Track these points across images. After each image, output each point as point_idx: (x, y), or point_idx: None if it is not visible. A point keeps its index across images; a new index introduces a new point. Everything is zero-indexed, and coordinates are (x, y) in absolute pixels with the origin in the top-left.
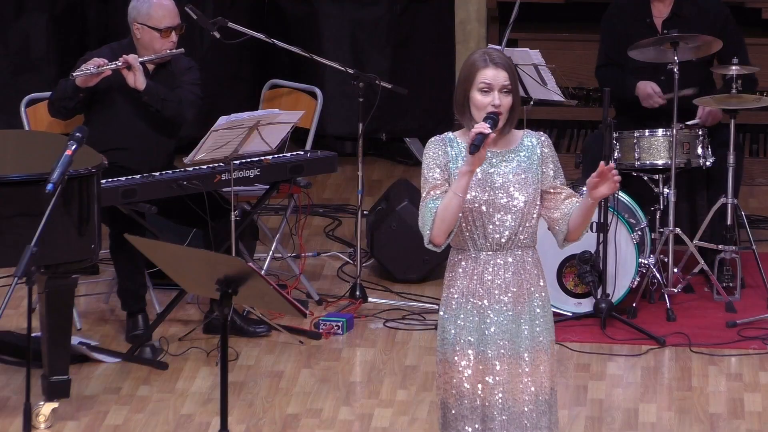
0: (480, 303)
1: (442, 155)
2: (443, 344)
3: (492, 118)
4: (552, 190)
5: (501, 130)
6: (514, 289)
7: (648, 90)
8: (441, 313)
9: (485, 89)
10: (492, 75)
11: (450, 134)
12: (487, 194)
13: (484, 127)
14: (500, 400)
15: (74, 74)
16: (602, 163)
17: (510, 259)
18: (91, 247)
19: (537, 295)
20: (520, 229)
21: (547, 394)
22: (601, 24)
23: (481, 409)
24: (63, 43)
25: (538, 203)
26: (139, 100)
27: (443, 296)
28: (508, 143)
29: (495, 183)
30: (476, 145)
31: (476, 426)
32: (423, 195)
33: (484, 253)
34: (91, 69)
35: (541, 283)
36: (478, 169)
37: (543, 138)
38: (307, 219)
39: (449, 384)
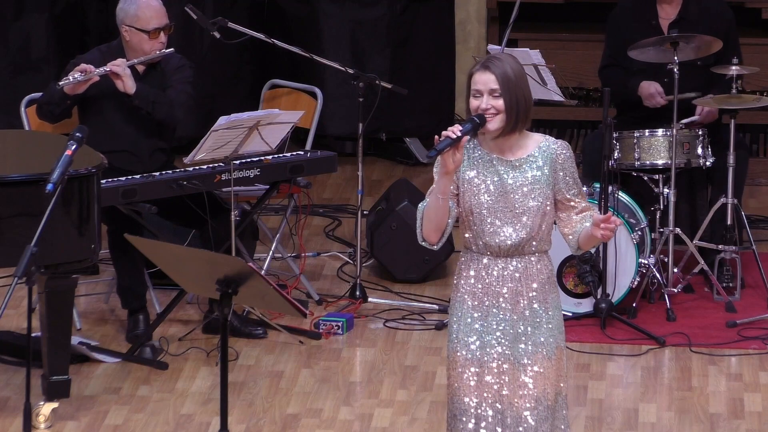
0: (482, 306)
1: None
2: (448, 342)
3: (472, 120)
4: (566, 202)
5: (503, 132)
6: (517, 294)
7: (651, 90)
8: (449, 311)
9: (476, 94)
10: (480, 79)
11: None
12: (496, 201)
13: (452, 131)
14: (497, 402)
15: (60, 83)
16: (609, 213)
17: (515, 265)
18: (91, 247)
19: (543, 299)
20: (529, 236)
21: (550, 400)
22: (607, 25)
23: (475, 410)
24: (63, 43)
25: (549, 209)
26: (130, 104)
27: (451, 295)
28: (522, 150)
29: (506, 190)
30: (437, 150)
31: (470, 425)
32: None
33: (488, 257)
34: (78, 77)
35: (549, 288)
36: (491, 175)
37: (564, 150)
38: (307, 219)
39: (450, 382)
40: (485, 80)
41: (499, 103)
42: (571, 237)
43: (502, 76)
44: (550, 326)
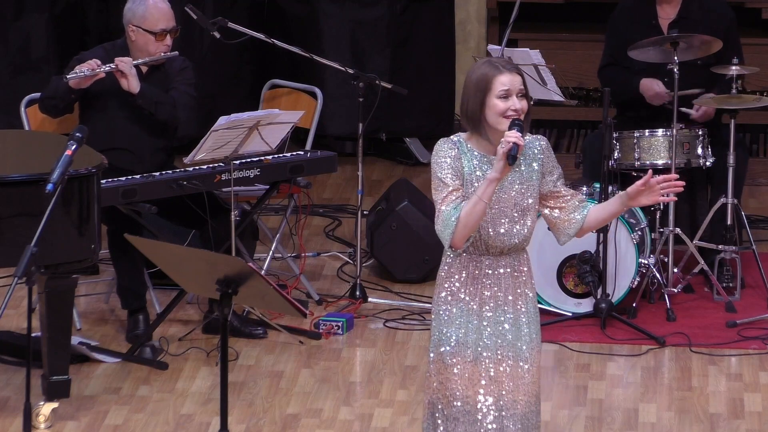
0: (479, 306)
1: (455, 158)
2: (438, 345)
3: (518, 125)
4: (557, 193)
5: None
6: (512, 291)
7: (654, 88)
8: (436, 313)
9: (504, 95)
10: (509, 80)
11: (458, 137)
12: (501, 201)
13: (518, 137)
14: (501, 402)
15: (67, 77)
16: (650, 173)
17: (508, 263)
18: (91, 247)
19: (531, 295)
20: (523, 234)
21: (539, 391)
22: (608, 25)
23: (476, 412)
24: (63, 43)
25: (536, 205)
26: (133, 102)
27: (439, 296)
28: None
29: (507, 189)
30: (514, 156)
31: (469, 428)
32: (440, 198)
33: (484, 257)
34: (85, 71)
35: (532, 282)
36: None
37: (543, 143)
38: (307, 219)
39: (443, 385)
40: (513, 81)
41: (524, 103)
42: (571, 224)
43: (523, 77)
44: (537, 319)
